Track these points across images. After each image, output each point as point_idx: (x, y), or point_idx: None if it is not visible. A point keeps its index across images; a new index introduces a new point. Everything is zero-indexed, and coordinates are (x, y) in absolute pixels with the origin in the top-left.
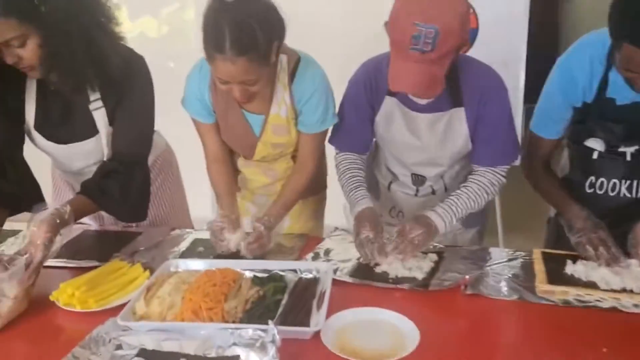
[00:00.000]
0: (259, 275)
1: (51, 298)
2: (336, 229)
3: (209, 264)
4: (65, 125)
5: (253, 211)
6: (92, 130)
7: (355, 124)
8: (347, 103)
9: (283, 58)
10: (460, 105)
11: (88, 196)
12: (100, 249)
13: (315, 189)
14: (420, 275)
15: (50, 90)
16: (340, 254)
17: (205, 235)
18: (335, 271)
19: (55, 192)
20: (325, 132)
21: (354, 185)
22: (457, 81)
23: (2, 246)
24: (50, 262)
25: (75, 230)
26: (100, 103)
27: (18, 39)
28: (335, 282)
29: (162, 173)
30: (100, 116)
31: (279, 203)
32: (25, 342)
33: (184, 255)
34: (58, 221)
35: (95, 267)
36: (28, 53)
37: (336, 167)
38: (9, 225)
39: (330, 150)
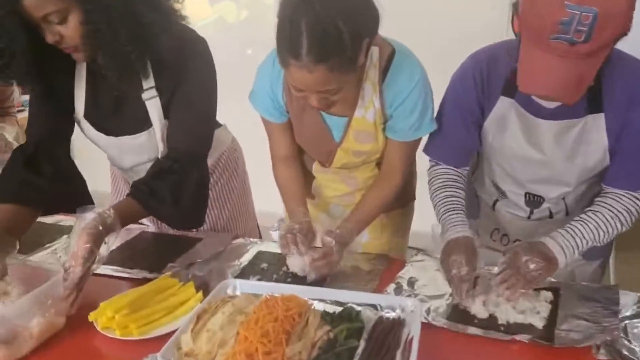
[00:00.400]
0: (330, 309)
1: (90, 318)
2: (418, 252)
3: (271, 288)
4: (116, 115)
5: (327, 223)
6: (145, 123)
7: (457, 130)
8: (449, 104)
9: (374, 51)
10: (599, 110)
11: (136, 199)
12: (154, 256)
13: (402, 200)
14: (539, 323)
15: (101, 76)
16: (428, 287)
17: (270, 247)
18: (427, 312)
19: (114, 190)
20: (419, 139)
21: (450, 206)
22: (599, 79)
23: (55, 244)
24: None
25: (133, 230)
26: (154, 92)
27: (58, 14)
28: (425, 325)
29: (226, 173)
30: (154, 107)
31: (357, 216)
32: None
33: (245, 271)
34: (101, 228)
35: (146, 280)
36: (69, 31)
37: (429, 182)
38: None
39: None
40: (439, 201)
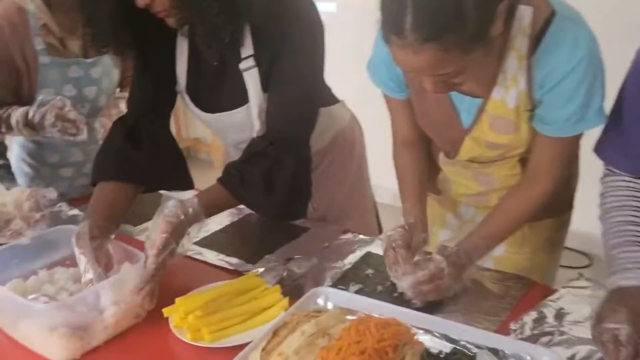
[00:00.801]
0: (437, 344)
1: (165, 314)
2: (581, 276)
3: (369, 306)
4: (217, 90)
5: (452, 225)
6: (244, 98)
7: None
8: (634, 88)
9: (525, 13)
10: None
11: (225, 186)
12: (254, 243)
13: (553, 210)
14: None
15: (204, 46)
16: (583, 327)
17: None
18: None
19: None
20: (579, 135)
21: (625, 238)
22: None
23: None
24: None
25: (244, 210)
26: (252, 62)
27: None
28: None
29: (341, 156)
30: (251, 79)
31: (487, 229)
32: None
33: (346, 276)
34: (182, 217)
35: (237, 274)
36: None
37: (601, 196)
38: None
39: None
40: (610, 227)
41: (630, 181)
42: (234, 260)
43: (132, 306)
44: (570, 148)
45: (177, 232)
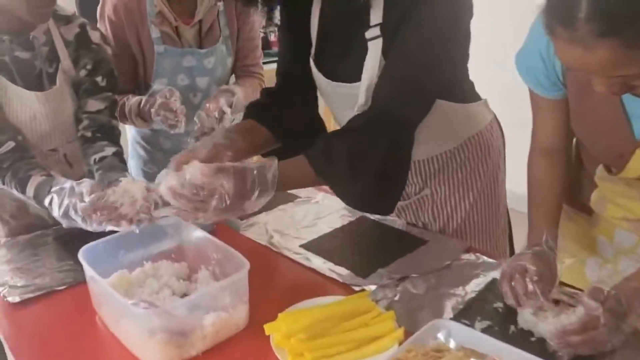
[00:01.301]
0: None
1: (266, 331)
2: None
3: (498, 349)
4: (341, 57)
5: (604, 253)
6: (362, 69)
7: None
8: None
9: None
10: None
11: (308, 157)
12: (366, 253)
13: None
14: None
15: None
16: None
17: None
18: None
19: None
20: None
21: None
22: None
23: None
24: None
25: (356, 212)
26: (378, 31)
27: None
28: None
29: (473, 161)
30: (374, 49)
31: None
32: None
33: (471, 308)
34: (255, 172)
35: (346, 289)
36: None
37: None
38: None
39: None
40: None
41: None
42: (343, 271)
43: (237, 314)
44: None
45: (244, 184)
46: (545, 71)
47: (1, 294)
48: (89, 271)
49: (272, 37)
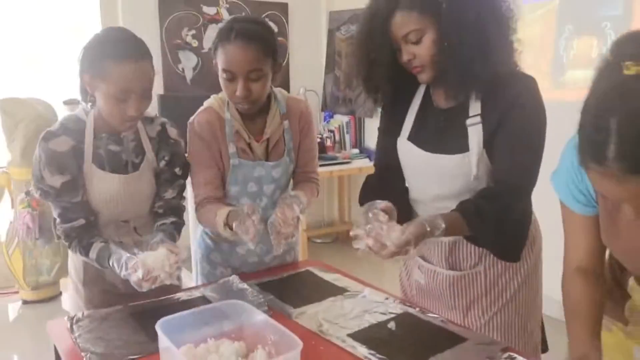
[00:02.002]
0: None
1: None
2: None
3: None
4: (439, 134)
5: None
6: (463, 147)
7: None
8: None
9: None
10: None
11: (462, 214)
12: (410, 345)
13: None
14: None
15: (432, 103)
16: None
17: None
18: None
19: None
20: None
21: None
22: None
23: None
24: (342, 341)
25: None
26: (478, 119)
27: (416, 33)
28: None
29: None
30: (475, 133)
31: None
32: None
33: None
34: (428, 229)
35: None
36: (422, 50)
37: None
38: None
39: None
40: None
41: None
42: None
43: None
44: None
45: (421, 237)
46: (579, 189)
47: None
48: (164, 341)
49: (328, 143)
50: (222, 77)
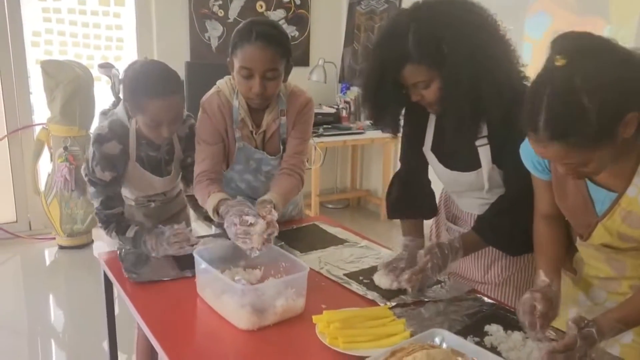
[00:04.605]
0: None
1: (314, 320)
2: None
3: (477, 353)
4: (453, 154)
5: (583, 305)
6: (476, 164)
7: None
8: None
9: None
10: None
11: (478, 233)
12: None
13: None
14: None
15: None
16: None
17: None
18: None
19: None
20: None
21: None
22: None
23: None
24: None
25: None
26: (485, 140)
27: (424, 83)
28: None
29: None
30: (484, 153)
31: (624, 311)
32: (275, 339)
33: (467, 328)
34: (446, 252)
35: (374, 304)
36: (430, 94)
37: None
38: None
39: None
40: None
41: None
42: (374, 294)
43: (297, 302)
44: None
45: (443, 258)
46: (537, 159)
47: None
48: (201, 263)
49: (344, 114)
50: (239, 74)
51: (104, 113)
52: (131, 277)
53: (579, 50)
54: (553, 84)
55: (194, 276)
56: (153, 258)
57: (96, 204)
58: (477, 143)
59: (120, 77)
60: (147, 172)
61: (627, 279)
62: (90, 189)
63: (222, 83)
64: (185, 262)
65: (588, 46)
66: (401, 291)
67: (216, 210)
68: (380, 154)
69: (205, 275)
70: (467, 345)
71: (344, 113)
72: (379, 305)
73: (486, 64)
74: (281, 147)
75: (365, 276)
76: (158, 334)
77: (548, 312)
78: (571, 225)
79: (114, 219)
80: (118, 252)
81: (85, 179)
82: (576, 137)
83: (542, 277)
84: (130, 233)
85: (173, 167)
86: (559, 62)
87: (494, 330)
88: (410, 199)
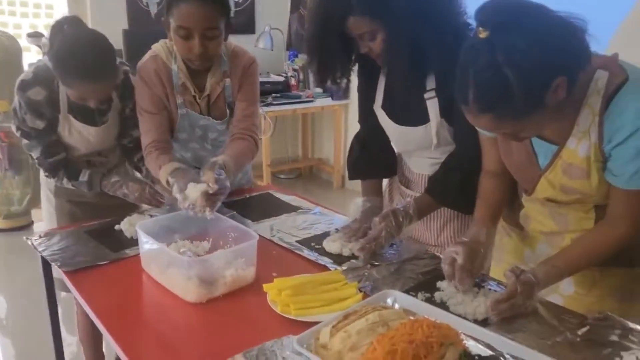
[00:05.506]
0: (475, 351)
1: (264, 288)
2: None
3: (429, 311)
4: (403, 108)
5: (528, 260)
6: (425, 118)
7: None
8: None
9: (601, 77)
10: None
11: (430, 194)
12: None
13: (623, 260)
14: None
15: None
16: None
17: None
18: None
19: None
20: None
21: None
22: None
23: None
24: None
25: None
26: (433, 93)
27: (369, 34)
28: None
29: None
30: (432, 106)
31: (560, 259)
32: (225, 310)
33: (418, 286)
34: (401, 219)
35: (326, 269)
36: (376, 46)
37: None
38: None
39: None
40: None
41: None
42: (326, 260)
43: (246, 272)
44: None
45: (397, 225)
46: None
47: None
48: (145, 237)
49: (292, 82)
50: (176, 34)
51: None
52: (67, 269)
53: (501, 21)
54: (477, 57)
55: (135, 255)
56: (85, 244)
57: (36, 154)
58: (426, 96)
59: (46, 39)
60: (80, 122)
61: (570, 232)
62: (25, 142)
63: (157, 47)
64: (122, 242)
65: (511, 15)
66: (353, 256)
67: (169, 181)
68: (331, 122)
69: (150, 250)
70: (418, 304)
71: (292, 81)
72: (330, 270)
73: (429, 13)
74: (228, 111)
75: (317, 242)
76: (102, 314)
77: (468, 264)
78: (517, 182)
79: (60, 166)
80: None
81: (17, 133)
82: (504, 110)
83: (474, 229)
84: (83, 177)
85: (110, 117)
86: (482, 34)
87: (445, 285)
88: (369, 158)
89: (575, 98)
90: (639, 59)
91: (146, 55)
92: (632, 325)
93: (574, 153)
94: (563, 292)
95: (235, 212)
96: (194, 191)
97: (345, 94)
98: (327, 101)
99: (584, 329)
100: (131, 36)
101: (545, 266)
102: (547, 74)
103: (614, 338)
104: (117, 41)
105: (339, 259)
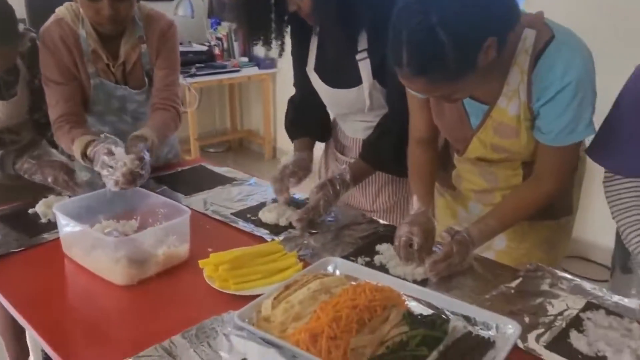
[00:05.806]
0: (417, 310)
1: (200, 265)
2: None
3: (370, 275)
4: (335, 70)
5: (462, 219)
6: (357, 80)
7: None
8: (632, 103)
9: (529, 35)
10: None
11: (365, 160)
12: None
13: (551, 213)
14: None
15: (328, 38)
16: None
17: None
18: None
19: None
20: (578, 144)
21: None
22: None
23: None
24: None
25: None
26: (365, 54)
27: None
28: (517, 350)
29: None
30: (364, 67)
31: (491, 216)
32: (158, 290)
33: (357, 250)
34: (338, 187)
35: (264, 240)
36: (305, 4)
37: (607, 199)
38: None
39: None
40: (629, 226)
41: (635, 182)
42: (262, 231)
43: (180, 249)
44: (568, 155)
45: (335, 193)
46: None
47: None
48: (64, 219)
49: (216, 51)
50: None
51: None
52: None
53: None
54: (410, 18)
55: (55, 239)
56: None
57: None
58: (358, 57)
59: None
60: None
61: (499, 189)
62: None
63: (62, 10)
64: (39, 227)
65: None
66: (290, 225)
67: (85, 154)
68: (259, 92)
69: (71, 233)
70: (359, 269)
71: (216, 50)
72: (267, 241)
73: None
74: (146, 80)
75: (253, 213)
76: (21, 306)
77: (425, 243)
78: (450, 143)
79: None
80: None
81: None
82: (438, 72)
83: (418, 204)
84: None
85: (19, 89)
86: None
87: (384, 249)
88: (304, 121)
89: (505, 58)
90: (551, 14)
91: (49, 20)
92: (560, 273)
93: (504, 112)
94: (495, 247)
95: (165, 187)
96: (127, 159)
97: (272, 63)
98: (254, 70)
99: (517, 281)
100: (35, 2)
101: (479, 225)
102: (479, 35)
103: (545, 287)
104: (19, 7)
105: (276, 229)
